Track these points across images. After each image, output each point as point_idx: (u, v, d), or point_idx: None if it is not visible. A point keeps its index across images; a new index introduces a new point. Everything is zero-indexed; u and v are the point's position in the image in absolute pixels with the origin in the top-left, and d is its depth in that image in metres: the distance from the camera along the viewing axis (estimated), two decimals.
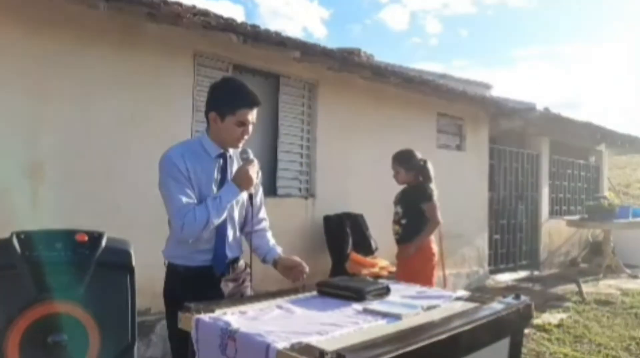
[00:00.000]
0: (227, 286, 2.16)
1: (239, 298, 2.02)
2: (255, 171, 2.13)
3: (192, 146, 2.18)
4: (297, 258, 2.24)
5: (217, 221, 2.03)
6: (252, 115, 2.12)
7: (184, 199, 2.01)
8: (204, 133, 2.23)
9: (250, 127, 2.14)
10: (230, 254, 2.18)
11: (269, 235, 2.37)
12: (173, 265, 2.16)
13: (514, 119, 7.52)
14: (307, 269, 2.20)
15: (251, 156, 2.16)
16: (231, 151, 2.21)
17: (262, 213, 2.38)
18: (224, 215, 2.06)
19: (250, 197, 2.20)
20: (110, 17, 3.58)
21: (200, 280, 2.10)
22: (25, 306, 1.66)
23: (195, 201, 2.04)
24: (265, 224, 2.38)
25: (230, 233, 2.18)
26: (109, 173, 3.65)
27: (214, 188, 2.12)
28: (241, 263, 2.27)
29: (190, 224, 1.99)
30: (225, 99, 2.10)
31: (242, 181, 2.09)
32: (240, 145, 2.17)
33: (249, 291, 2.25)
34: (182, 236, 2.04)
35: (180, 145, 2.17)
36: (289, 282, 2.23)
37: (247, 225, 2.28)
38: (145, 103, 3.86)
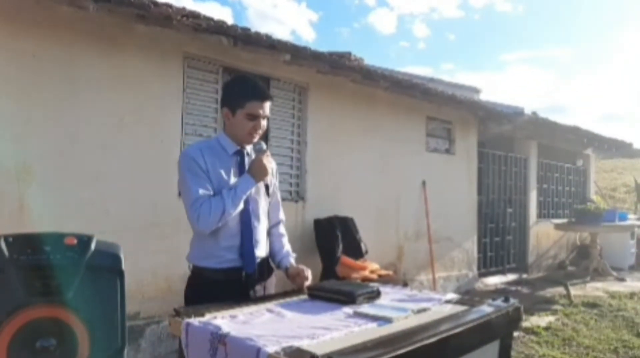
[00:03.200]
0: (255, 292, 2.13)
1: (228, 302, 2.00)
2: (269, 162, 2.13)
3: (210, 143, 2.20)
4: (301, 266, 2.23)
5: (233, 212, 2.02)
6: (264, 109, 2.12)
7: (200, 191, 2.01)
8: (221, 132, 2.24)
9: (264, 123, 2.15)
10: (258, 253, 2.16)
11: (285, 240, 2.37)
12: (199, 269, 2.12)
13: (502, 123, 7.58)
14: (308, 274, 2.18)
15: (264, 147, 2.16)
16: (248, 148, 2.21)
17: (281, 214, 2.37)
18: (240, 206, 2.05)
19: (267, 188, 2.20)
20: (99, 19, 3.56)
21: (228, 284, 2.06)
22: (13, 311, 1.64)
23: (212, 193, 2.04)
24: (282, 228, 2.37)
25: (257, 231, 2.16)
26: (98, 176, 3.62)
27: None
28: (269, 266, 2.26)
29: (206, 215, 1.98)
30: (235, 94, 2.14)
31: (257, 171, 2.09)
32: (254, 141, 2.17)
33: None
34: (199, 228, 2.02)
35: (199, 143, 2.21)
36: (280, 286, 2.24)
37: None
38: (135, 105, 3.84)
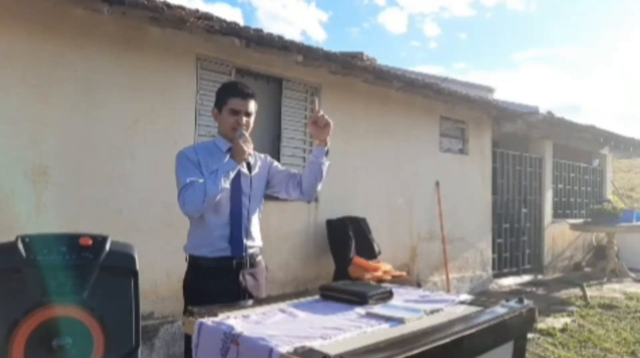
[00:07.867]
0: (245, 280, 2.25)
1: (241, 302, 2.02)
2: (249, 146, 2.24)
3: (205, 144, 2.40)
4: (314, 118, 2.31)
5: (215, 191, 2.13)
6: (246, 106, 2.29)
7: (187, 179, 2.16)
8: (218, 136, 2.41)
9: (246, 120, 2.30)
10: (247, 242, 2.28)
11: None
12: (194, 257, 2.26)
13: (516, 123, 7.52)
14: (320, 113, 2.30)
15: (245, 133, 2.26)
16: (251, 159, 2.35)
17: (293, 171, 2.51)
18: (221, 185, 2.14)
19: (249, 167, 2.32)
20: (113, 21, 3.60)
21: (220, 272, 2.20)
22: (30, 310, 1.66)
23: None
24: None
25: (245, 221, 2.29)
26: (112, 177, 3.66)
27: None
28: (260, 259, 2.38)
29: (190, 197, 2.12)
30: (221, 94, 2.36)
31: (236, 152, 2.22)
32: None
33: (263, 292, 2.33)
34: (186, 211, 2.16)
35: (194, 144, 2.39)
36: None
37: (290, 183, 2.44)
38: (149, 107, 3.87)
